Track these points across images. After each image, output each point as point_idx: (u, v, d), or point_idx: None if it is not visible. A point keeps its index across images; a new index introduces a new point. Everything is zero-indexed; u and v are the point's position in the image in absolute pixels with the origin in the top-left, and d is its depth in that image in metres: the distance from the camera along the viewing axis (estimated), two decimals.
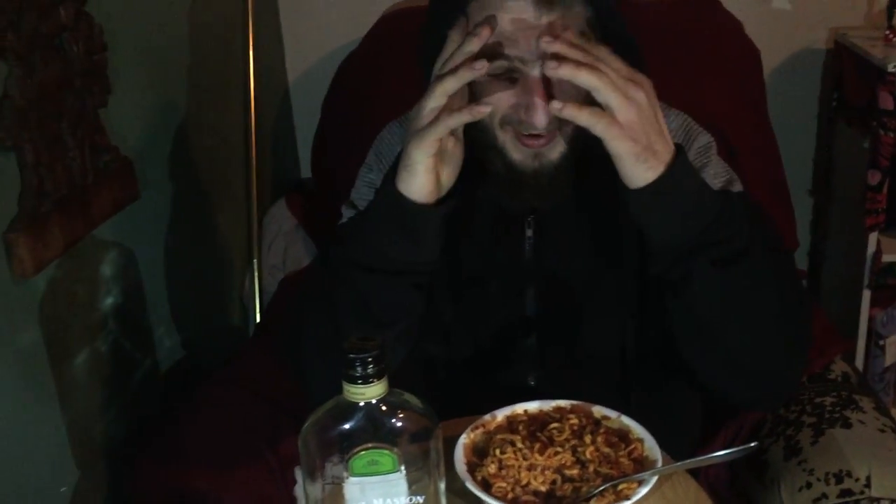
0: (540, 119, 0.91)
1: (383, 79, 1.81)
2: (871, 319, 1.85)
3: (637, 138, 0.85)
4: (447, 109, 0.88)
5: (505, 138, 0.96)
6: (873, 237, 1.76)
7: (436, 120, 0.88)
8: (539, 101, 0.90)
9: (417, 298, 0.97)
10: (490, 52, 0.89)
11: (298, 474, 1.30)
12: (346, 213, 1.13)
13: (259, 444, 1.31)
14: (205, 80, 1.74)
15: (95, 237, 1.32)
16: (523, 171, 0.97)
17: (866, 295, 1.81)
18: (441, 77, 0.87)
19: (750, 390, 0.99)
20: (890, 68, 1.64)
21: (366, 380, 0.68)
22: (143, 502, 1.28)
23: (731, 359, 0.94)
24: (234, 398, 1.44)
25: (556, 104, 0.85)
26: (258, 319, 1.85)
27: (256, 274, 1.88)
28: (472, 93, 0.95)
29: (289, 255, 1.91)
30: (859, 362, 1.87)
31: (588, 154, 0.95)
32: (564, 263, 1.06)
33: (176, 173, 1.61)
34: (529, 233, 1.05)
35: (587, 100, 0.89)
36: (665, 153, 0.87)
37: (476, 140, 0.97)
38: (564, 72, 0.84)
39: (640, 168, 0.86)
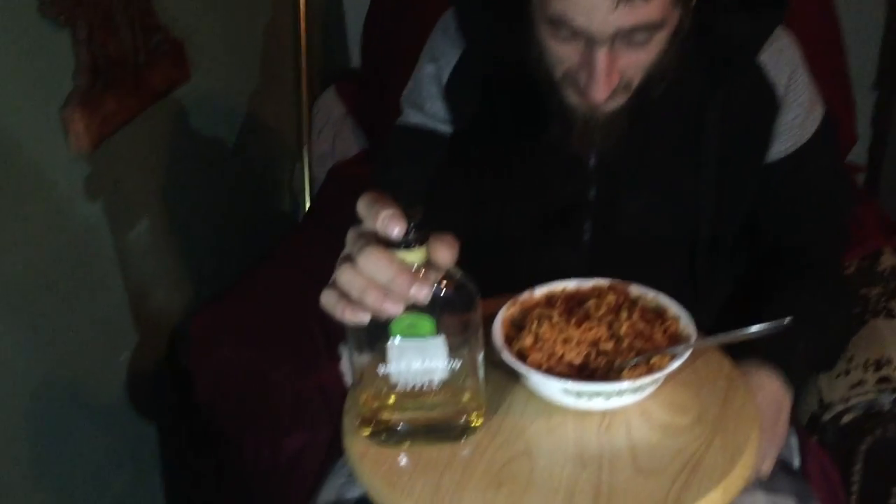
0: (600, 95, 0.89)
1: None
2: None
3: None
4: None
5: (565, 86, 0.94)
6: None
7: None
8: (600, 78, 0.88)
9: None
10: (557, 19, 0.87)
11: (343, 351, 1.36)
12: (407, 110, 1.10)
13: (308, 321, 1.36)
14: None
15: (148, 117, 1.35)
16: (577, 115, 0.95)
17: None
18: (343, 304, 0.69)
19: None
20: None
21: (408, 245, 0.69)
22: (197, 373, 1.35)
23: None
24: (285, 277, 1.49)
25: None
26: (308, 206, 1.89)
27: (306, 161, 1.90)
28: (535, 38, 0.92)
29: (337, 144, 1.92)
30: None
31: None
32: (633, 163, 1.03)
33: (226, 58, 1.61)
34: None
35: (649, 70, 0.90)
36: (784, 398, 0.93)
37: (538, 73, 0.95)
38: None
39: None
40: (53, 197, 1.16)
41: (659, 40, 0.90)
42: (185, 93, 1.45)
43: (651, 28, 0.87)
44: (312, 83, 1.94)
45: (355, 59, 2.13)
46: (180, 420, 1.40)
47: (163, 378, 1.42)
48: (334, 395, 1.29)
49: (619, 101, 0.93)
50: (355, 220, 0.69)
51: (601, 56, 0.87)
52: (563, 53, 0.91)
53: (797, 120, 1.02)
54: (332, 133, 1.92)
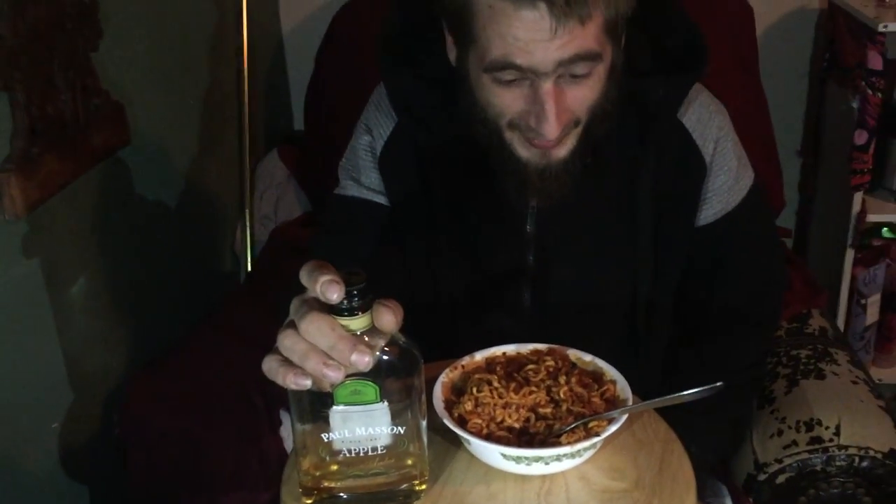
0: (551, 130, 0.91)
1: (378, 31, 1.81)
2: (853, 279, 1.87)
3: None
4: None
5: (512, 137, 0.95)
6: (858, 197, 1.77)
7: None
8: (550, 113, 0.89)
9: None
10: (501, 62, 0.89)
11: (284, 416, 1.34)
12: (344, 182, 1.11)
13: (247, 386, 1.34)
14: (197, 28, 1.74)
15: (87, 180, 1.33)
16: (530, 169, 0.96)
17: (850, 254, 1.83)
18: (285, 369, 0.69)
19: None
20: (880, 28, 1.65)
21: (351, 312, 0.69)
22: (131, 442, 1.31)
23: None
24: (224, 342, 1.47)
25: None
26: (249, 269, 1.87)
27: (248, 224, 1.90)
28: (475, 92, 0.94)
29: (280, 206, 1.92)
30: (841, 321, 1.90)
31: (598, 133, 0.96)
32: (570, 229, 1.05)
33: (168, 121, 1.61)
34: (533, 202, 1.04)
35: (593, 108, 0.92)
36: None
37: (481, 135, 0.96)
38: None
39: None
40: None
41: (599, 75, 0.92)
42: (126, 155, 1.44)
43: (590, 58, 0.89)
44: (255, 146, 1.94)
45: (298, 122, 2.15)
46: (115, 488, 1.36)
47: (97, 445, 1.38)
48: (273, 462, 1.26)
49: (570, 145, 0.95)
50: (296, 282, 0.69)
51: (548, 89, 0.89)
52: (509, 100, 0.92)
53: (724, 186, 1.05)
54: (275, 196, 1.92)
